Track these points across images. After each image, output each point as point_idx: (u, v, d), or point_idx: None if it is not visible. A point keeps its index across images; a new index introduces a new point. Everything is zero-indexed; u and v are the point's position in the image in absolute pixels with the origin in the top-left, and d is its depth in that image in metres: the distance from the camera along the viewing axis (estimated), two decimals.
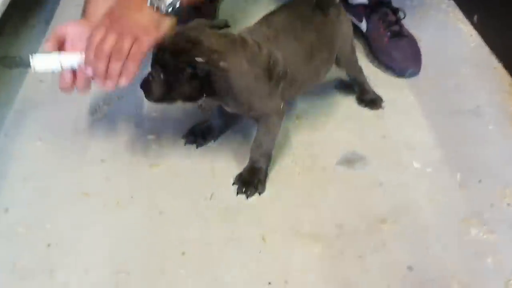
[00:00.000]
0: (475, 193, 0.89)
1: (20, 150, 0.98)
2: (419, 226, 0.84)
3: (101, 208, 0.88)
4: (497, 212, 0.86)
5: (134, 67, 0.80)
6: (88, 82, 0.85)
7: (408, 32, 1.18)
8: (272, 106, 0.87)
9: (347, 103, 1.08)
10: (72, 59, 0.82)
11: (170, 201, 0.89)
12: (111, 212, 0.87)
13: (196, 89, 0.81)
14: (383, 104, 1.07)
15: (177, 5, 0.81)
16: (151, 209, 0.88)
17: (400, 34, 1.16)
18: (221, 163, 0.95)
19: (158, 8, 0.80)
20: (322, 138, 1.01)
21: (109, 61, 0.78)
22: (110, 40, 0.78)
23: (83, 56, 0.81)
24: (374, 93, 1.08)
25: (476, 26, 1.28)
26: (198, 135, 0.99)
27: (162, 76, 0.79)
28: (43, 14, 1.39)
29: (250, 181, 0.90)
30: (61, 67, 0.82)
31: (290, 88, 0.88)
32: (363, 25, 1.20)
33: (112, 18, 0.80)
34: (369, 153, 0.97)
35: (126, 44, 0.78)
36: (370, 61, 1.19)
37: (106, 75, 0.79)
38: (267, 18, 0.91)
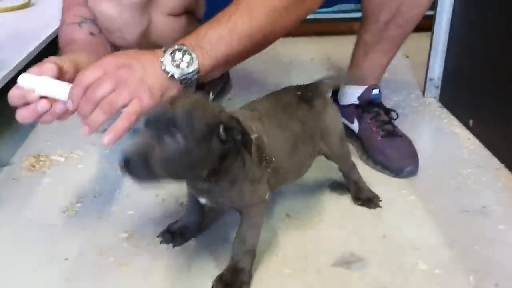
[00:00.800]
0: None
1: None
2: None
3: None
4: None
5: (125, 127, 0.70)
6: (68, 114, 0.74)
7: (402, 133, 1.14)
8: (260, 193, 0.78)
9: (342, 202, 1.00)
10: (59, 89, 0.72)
11: None
12: None
13: (210, 161, 0.68)
14: (380, 203, 0.98)
15: (194, 77, 0.74)
16: None
17: (394, 134, 1.12)
18: (199, 263, 0.84)
19: (170, 75, 0.73)
20: (315, 237, 0.90)
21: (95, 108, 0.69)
22: (105, 87, 0.69)
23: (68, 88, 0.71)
24: (370, 191, 1.00)
25: (473, 130, 1.24)
26: (176, 233, 0.88)
27: (181, 140, 0.64)
28: None
29: (232, 283, 0.77)
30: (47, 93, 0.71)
31: (274, 178, 0.80)
32: (355, 126, 1.16)
33: (116, 64, 0.71)
34: (369, 253, 0.86)
35: (121, 99, 0.69)
36: (365, 162, 1.12)
37: (88, 119, 0.70)
38: (249, 104, 0.86)
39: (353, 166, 0.99)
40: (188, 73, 0.73)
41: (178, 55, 0.73)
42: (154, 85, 0.71)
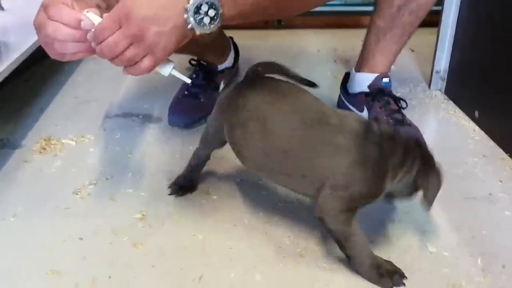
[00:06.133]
0: (500, 278, 0.78)
1: None
2: None
3: None
4: None
5: (137, 74, 0.73)
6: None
7: (410, 121, 1.16)
8: None
9: None
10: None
11: (152, 282, 0.77)
12: None
13: None
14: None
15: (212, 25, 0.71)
16: None
17: (403, 122, 1.13)
18: (212, 242, 0.85)
19: (190, 27, 0.70)
20: None
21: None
22: (122, 45, 0.69)
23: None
24: None
25: (478, 122, 1.26)
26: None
27: None
28: (39, 103, 1.38)
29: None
30: None
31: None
32: (365, 115, 1.18)
33: (129, 15, 0.68)
34: (379, 236, 0.87)
35: (138, 57, 0.70)
36: None
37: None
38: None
39: None
40: (209, 29, 0.71)
41: (204, 7, 0.70)
42: (170, 39, 0.70)
